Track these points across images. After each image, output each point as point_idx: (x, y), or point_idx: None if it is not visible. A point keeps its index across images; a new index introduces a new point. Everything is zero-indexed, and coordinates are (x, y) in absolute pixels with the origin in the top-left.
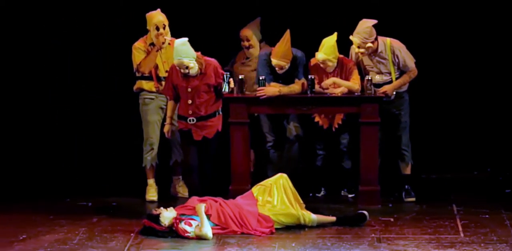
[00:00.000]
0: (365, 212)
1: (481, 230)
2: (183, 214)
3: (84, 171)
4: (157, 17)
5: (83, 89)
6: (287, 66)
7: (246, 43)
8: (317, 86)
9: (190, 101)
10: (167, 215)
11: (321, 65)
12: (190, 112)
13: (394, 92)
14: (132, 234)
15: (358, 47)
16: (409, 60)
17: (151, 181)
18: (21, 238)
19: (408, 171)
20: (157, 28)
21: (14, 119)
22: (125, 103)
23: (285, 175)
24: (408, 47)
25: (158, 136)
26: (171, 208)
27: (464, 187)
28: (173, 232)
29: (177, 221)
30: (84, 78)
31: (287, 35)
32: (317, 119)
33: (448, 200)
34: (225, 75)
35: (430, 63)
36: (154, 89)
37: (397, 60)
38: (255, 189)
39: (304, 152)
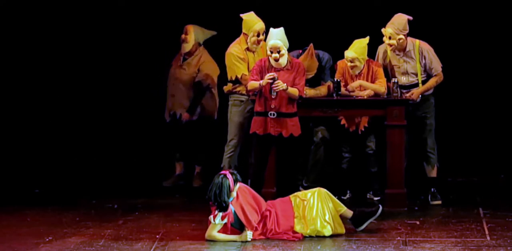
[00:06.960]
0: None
1: (508, 233)
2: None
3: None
4: (260, 24)
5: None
6: (309, 77)
7: (183, 36)
8: (343, 89)
9: (274, 95)
10: (233, 195)
11: (349, 64)
12: (273, 106)
13: (420, 96)
14: (157, 236)
15: (389, 38)
16: (436, 63)
17: None
18: (47, 239)
19: (434, 174)
20: (258, 35)
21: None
22: None
23: (323, 190)
24: (436, 51)
25: (241, 138)
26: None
27: (490, 190)
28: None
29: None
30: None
31: (311, 49)
32: (343, 122)
33: (475, 203)
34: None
35: (456, 66)
36: (245, 92)
37: (424, 61)
38: (293, 199)
39: (330, 155)
